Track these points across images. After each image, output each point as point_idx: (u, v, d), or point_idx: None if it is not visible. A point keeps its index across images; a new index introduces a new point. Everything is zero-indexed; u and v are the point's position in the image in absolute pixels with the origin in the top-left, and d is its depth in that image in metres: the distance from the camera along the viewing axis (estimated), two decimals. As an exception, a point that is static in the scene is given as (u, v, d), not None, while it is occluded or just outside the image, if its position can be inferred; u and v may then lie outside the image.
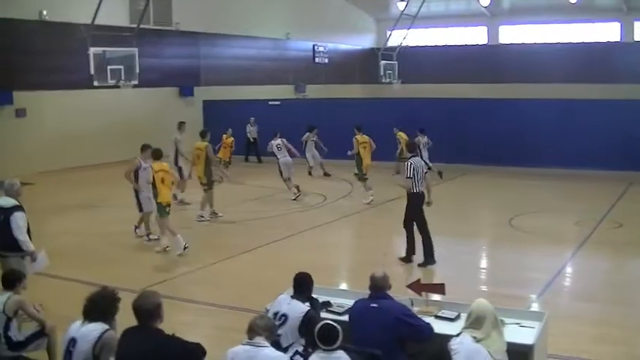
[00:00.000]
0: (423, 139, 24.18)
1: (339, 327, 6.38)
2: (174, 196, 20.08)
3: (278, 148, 22.01)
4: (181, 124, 21.17)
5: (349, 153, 21.28)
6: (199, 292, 12.23)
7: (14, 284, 8.32)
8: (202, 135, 18.73)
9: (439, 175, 24.01)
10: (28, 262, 10.18)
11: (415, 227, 13.78)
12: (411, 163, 13.56)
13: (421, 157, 16.57)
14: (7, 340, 7.94)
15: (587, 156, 24.42)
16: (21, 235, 9.98)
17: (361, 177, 20.95)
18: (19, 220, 9.96)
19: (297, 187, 21.50)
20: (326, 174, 25.75)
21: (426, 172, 13.86)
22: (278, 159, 21.86)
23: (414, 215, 13.74)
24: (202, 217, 18.38)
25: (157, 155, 15.15)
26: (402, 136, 24.92)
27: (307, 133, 25.22)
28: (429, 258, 13.64)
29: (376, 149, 21.36)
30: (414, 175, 13.48)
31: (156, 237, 15.65)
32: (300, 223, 17.87)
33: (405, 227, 13.87)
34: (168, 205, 15.00)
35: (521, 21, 48.66)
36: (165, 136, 21.36)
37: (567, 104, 26.55)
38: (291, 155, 22.27)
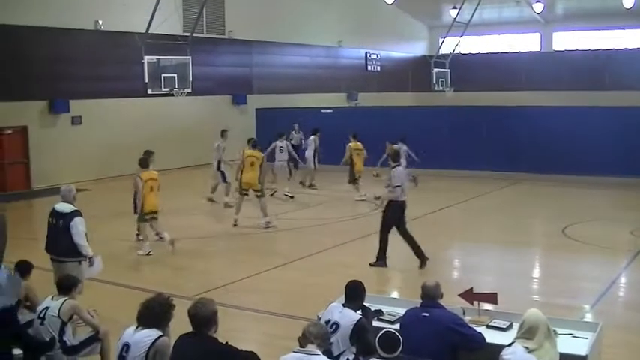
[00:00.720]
0: (403, 147, 24.13)
1: (400, 335, 6.40)
2: (226, 204, 20.63)
3: (280, 150, 23.05)
4: (224, 132, 21.98)
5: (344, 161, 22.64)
6: (251, 299, 12.26)
7: (69, 289, 8.45)
8: (255, 145, 18.95)
9: (414, 181, 23.85)
10: (85, 267, 10.37)
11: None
12: (396, 172, 13.91)
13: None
14: (62, 344, 8.06)
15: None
16: (81, 240, 10.23)
17: (351, 180, 22.37)
18: (79, 226, 10.23)
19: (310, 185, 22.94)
20: (302, 185, 24.97)
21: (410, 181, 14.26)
22: (274, 160, 23.02)
23: (397, 222, 14.05)
24: (269, 223, 18.44)
25: (145, 164, 15.83)
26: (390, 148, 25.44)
27: (312, 137, 25.20)
28: (423, 258, 14.03)
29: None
30: (401, 183, 13.82)
31: (163, 236, 15.97)
32: (352, 231, 17.84)
33: (381, 234, 14.22)
34: (152, 213, 15.65)
35: (575, 27, 48.06)
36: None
37: (622, 112, 26.20)
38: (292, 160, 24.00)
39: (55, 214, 10.42)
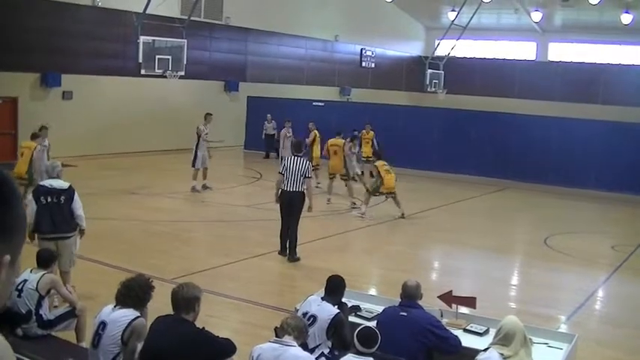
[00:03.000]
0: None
1: (378, 332, 6.44)
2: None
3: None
4: (208, 116, 21.93)
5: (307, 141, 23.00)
6: (229, 286, 12.23)
7: (49, 263, 8.44)
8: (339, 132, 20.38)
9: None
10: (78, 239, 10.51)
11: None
12: (283, 160, 14.30)
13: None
14: (37, 317, 8.02)
15: (629, 180, 24.13)
16: (82, 212, 10.42)
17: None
18: (79, 199, 10.40)
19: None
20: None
21: (308, 176, 13.93)
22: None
23: (285, 211, 14.03)
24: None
25: (33, 136, 17.11)
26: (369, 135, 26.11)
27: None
28: (283, 250, 14.10)
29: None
30: (284, 172, 13.74)
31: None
32: (334, 227, 17.83)
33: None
34: (19, 179, 15.75)
35: (572, 39, 48.15)
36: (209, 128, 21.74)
37: (612, 126, 26.28)
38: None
39: (51, 191, 10.16)
